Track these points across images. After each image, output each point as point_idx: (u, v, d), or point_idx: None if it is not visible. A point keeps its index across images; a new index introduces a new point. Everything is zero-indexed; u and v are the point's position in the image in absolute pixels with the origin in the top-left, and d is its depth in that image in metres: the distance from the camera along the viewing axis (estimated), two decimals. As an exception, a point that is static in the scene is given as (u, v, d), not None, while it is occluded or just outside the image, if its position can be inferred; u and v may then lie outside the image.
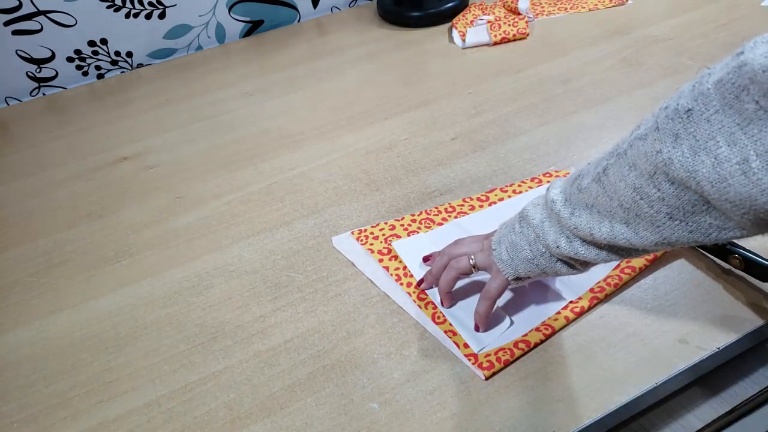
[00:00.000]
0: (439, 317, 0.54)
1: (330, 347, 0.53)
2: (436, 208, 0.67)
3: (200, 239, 0.68)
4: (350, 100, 0.91)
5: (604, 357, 0.49)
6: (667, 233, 0.40)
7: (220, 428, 0.48)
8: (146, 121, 0.94)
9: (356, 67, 1.00)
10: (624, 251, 0.44)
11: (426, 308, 0.55)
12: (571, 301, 0.54)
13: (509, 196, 0.67)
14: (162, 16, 1.08)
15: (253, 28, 1.18)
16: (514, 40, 1.00)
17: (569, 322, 0.52)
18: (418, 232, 0.64)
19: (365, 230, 0.65)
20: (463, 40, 1.01)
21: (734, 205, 0.35)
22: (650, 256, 0.56)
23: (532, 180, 0.69)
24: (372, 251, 0.62)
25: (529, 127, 0.78)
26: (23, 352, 0.58)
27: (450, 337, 0.52)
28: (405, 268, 0.60)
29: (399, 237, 0.63)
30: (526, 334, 0.51)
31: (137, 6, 1.05)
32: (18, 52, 1.01)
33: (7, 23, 0.98)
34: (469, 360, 0.50)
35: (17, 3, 0.97)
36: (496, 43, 1.00)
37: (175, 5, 1.08)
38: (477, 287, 0.55)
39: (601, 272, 0.56)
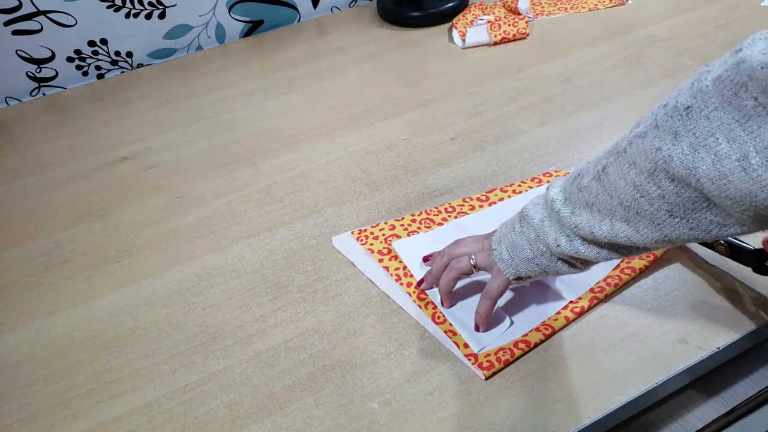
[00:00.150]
0: (439, 317, 0.54)
1: (330, 347, 0.53)
2: (436, 208, 0.67)
3: (200, 239, 0.68)
4: (350, 100, 0.91)
5: (604, 357, 0.49)
6: (667, 231, 0.40)
7: (220, 428, 0.48)
8: (146, 121, 0.94)
9: (356, 67, 1.00)
10: (625, 249, 0.44)
11: (426, 308, 0.55)
12: (571, 301, 0.54)
13: (509, 196, 0.67)
14: (162, 16, 1.08)
15: (253, 28, 1.18)
16: (514, 40, 1.00)
17: (569, 322, 0.52)
18: (418, 232, 0.64)
19: (365, 230, 0.65)
20: (463, 40, 1.01)
21: (735, 202, 0.35)
22: (650, 257, 0.56)
23: (532, 180, 0.69)
24: (372, 251, 0.62)
25: (529, 127, 0.78)
26: (23, 352, 0.58)
27: (450, 337, 0.52)
28: (405, 268, 0.60)
29: (399, 237, 0.63)
30: (526, 334, 0.51)
31: (137, 6, 1.05)
32: (18, 52, 1.01)
33: (7, 23, 0.98)
34: (469, 360, 0.50)
35: (17, 3, 0.97)
36: (496, 43, 1.00)
37: (175, 5, 1.08)
38: (477, 287, 0.55)
39: (601, 272, 0.56)
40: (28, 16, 0.99)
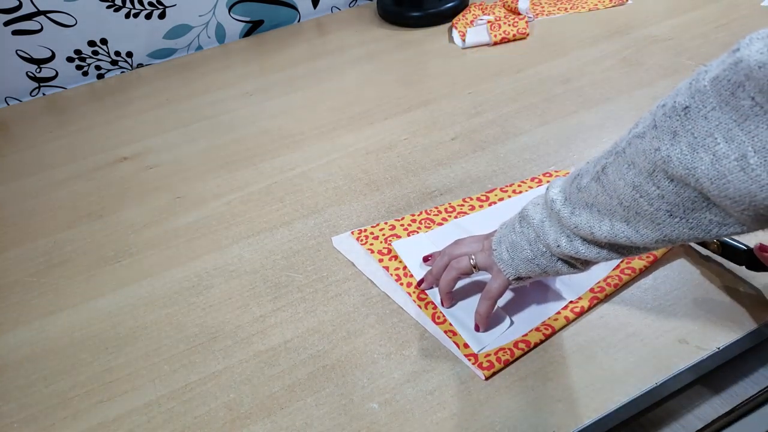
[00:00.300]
0: (439, 317, 0.54)
1: (330, 347, 0.53)
2: (436, 208, 0.67)
3: (200, 239, 0.68)
4: (350, 100, 0.91)
5: (604, 357, 0.49)
6: (667, 230, 0.40)
7: (220, 428, 0.48)
8: (146, 121, 0.94)
9: (356, 67, 1.00)
10: (625, 249, 0.44)
11: (426, 308, 0.55)
12: (571, 301, 0.54)
13: (509, 196, 0.67)
14: (162, 16, 1.08)
15: (253, 28, 1.18)
16: (514, 40, 1.00)
17: (569, 322, 0.52)
18: (418, 232, 0.64)
19: (365, 230, 0.65)
20: (463, 40, 1.01)
21: (734, 202, 0.35)
22: (650, 258, 0.56)
23: (532, 180, 0.69)
24: (372, 251, 0.62)
25: (529, 127, 0.78)
26: (23, 352, 0.58)
27: (450, 337, 0.52)
28: (405, 268, 0.60)
29: (399, 237, 0.63)
30: (526, 334, 0.51)
31: (137, 6, 1.05)
32: (18, 52, 1.01)
33: (7, 23, 0.98)
34: (469, 360, 0.50)
35: (17, 3, 0.97)
36: (496, 43, 1.00)
37: (175, 5, 1.08)
38: (477, 287, 0.55)
39: (601, 272, 0.56)
40: (28, 16, 0.99)
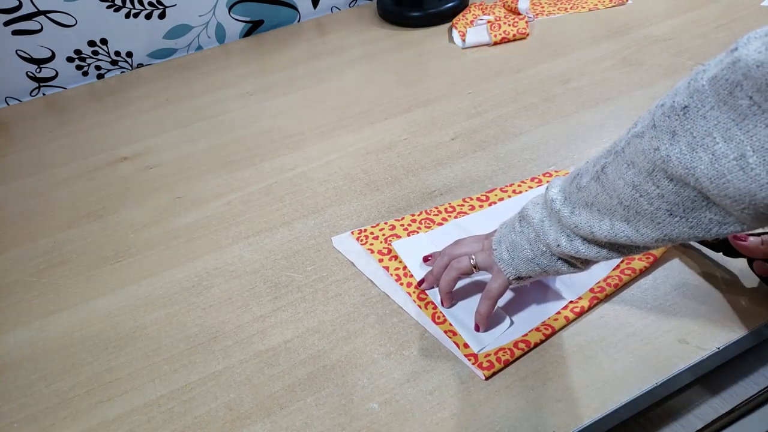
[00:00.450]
0: (439, 317, 0.54)
1: (330, 347, 0.53)
2: (436, 208, 0.67)
3: (200, 239, 0.68)
4: (350, 100, 0.91)
5: (604, 357, 0.49)
6: (667, 230, 0.40)
7: (220, 428, 0.48)
8: (146, 121, 0.94)
9: (356, 67, 1.00)
10: (625, 248, 0.44)
11: (426, 308, 0.55)
12: (571, 301, 0.54)
13: (509, 196, 0.67)
14: (162, 16, 1.08)
15: (253, 28, 1.18)
16: (514, 40, 1.00)
17: (569, 322, 0.52)
18: (418, 232, 0.64)
19: (365, 230, 0.65)
20: (463, 40, 1.01)
21: (734, 201, 0.35)
22: (650, 258, 0.56)
23: (532, 180, 0.69)
24: (372, 251, 0.62)
25: (529, 127, 0.78)
26: (23, 352, 0.58)
27: (450, 337, 0.52)
28: (405, 268, 0.60)
29: (399, 237, 0.63)
30: (526, 334, 0.51)
31: (137, 6, 1.05)
32: (18, 52, 1.01)
33: (7, 23, 0.98)
34: (469, 360, 0.50)
35: (17, 3, 0.97)
36: (496, 43, 1.00)
37: (175, 5, 1.08)
38: (477, 287, 0.55)
39: (601, 272, 0.56)
40: (28, 16, 0.99)
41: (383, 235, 0.64)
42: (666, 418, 0.48)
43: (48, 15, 1.00)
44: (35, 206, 0.78)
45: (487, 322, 0.52)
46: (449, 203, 0.67)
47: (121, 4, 1.03)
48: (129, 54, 1.10)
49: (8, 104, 1.06)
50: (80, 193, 0.80)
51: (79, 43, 1.05)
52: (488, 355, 0.50)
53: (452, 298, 0.55)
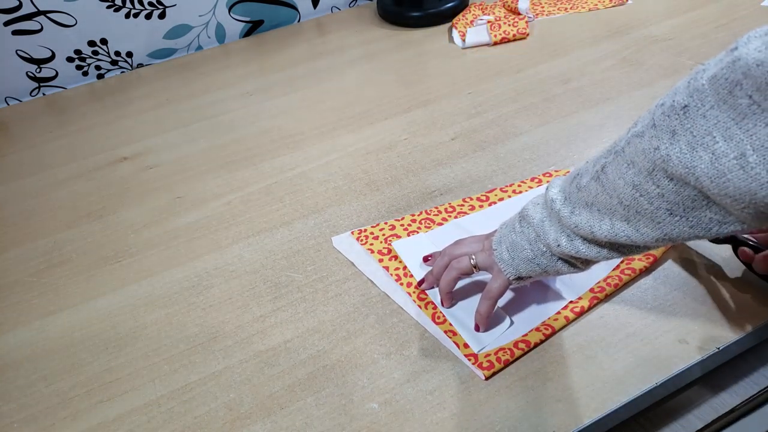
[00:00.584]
0: (439, 317, 0.54)
1: (330, 347, 0.53)
2: (436, 208, 0.67)
3: (200, 239, 0.68)
4: (350, 100, 0.91)
5: (604, 357, 0.49)
6: (667, 229, 0.40)
7: (220, 428, 0.48)
8: (146, 121, 0.94)
9: (356, 67, 1.00)
10: (625, 248, 0.44)
11: (426, 308, 0.55)
12: (571, 301, 0.54)
13: (509, 196, 0.67)
14: (162, 16, 1.08)
15: (253, 28, 1.18)
16: (514, 40, 1.00)
17: (569, 322, 0.52)
18: (418, 232, 0.64)
19: (365, 230, 0.65)
20: (463, 40, 1.01)
21: (734, 200, 0.35)
22: (650, 258, 0.56)
23: (532, 180, 0.69)
24: (372, 251, 0.62)
25: (529, 127, 0.78)
26: (23, 352, 0.58)
27: (450, 337, 0.52)
28: (405, 268, 0.60)
29: (399, 237, 0.63)
30: (526, 334, 0.51)
31: (137, 6, 1.05)
32: (18, 52, 1.01)
33: (7, 23, 0.98)
34: (469, 360, 0.50)
35: (17, 3, 0.97)
36: (496, 43, 1.00)
37: (175, 5, 1.08)
38: (477, 287, 0.55)
39: (601, 272, 0.56)
40: (28, 16, 0.99)
41: (383, 235, 0.64)
42: (666, 418, 0.48)
43: (48, 15, 1.00)
44: (35, 206, 0.78)
45: (487, 322, 0.52)
46: (449, 203, 0.67)
47: (121, 4, 1.03)
48: (129, 54, 1.10)
49: (8, 104, 1.06)
50: (80, 193, 0.80)
51: (79, 43, 1.05)
52: (488, 355, 0.50)
53: (452, 298, 0.55)
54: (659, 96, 0.39)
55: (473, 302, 0.53)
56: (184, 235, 0.69)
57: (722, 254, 0.56)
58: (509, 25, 1.01)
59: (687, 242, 0.57)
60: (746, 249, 0.52)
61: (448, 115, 0.84)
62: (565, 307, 0.53)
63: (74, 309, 0.62)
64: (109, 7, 1.03)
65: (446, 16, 1.10)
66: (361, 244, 0.63)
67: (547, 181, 0.68)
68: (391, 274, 0.59)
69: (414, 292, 0.57)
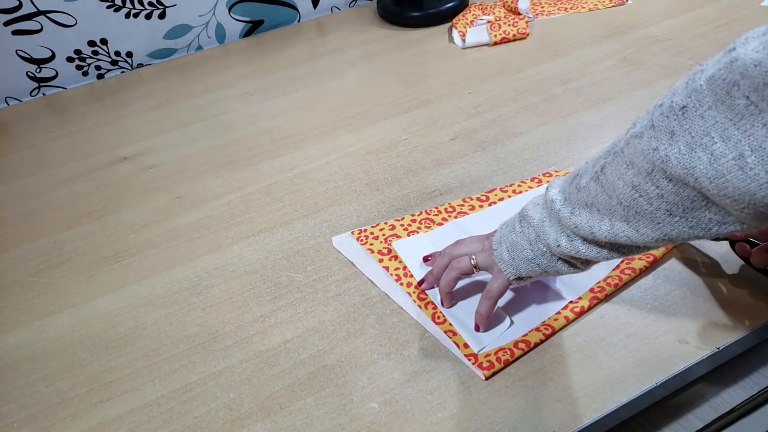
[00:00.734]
0: (439, 317, 0.54)
1: (330, 347, 0.53)
2: (436, 208, 0.67)
3: (200, 239, 0.68)
4: (350, 100, 0.91)
5: (604, 357, 0.49)
6: (667, 229, 0.40)
7: (220, 428, 0.48)
8: (146, 121, 0.94)
9: (356, 67, 1.00)
10: (625, 248, 0.44)
11: (426, 308, 0.55)
12: (571, 301, 0.54)
13: (509, 196, 0.67)
14: (162, 16, 1.08)
15: (253, 28, 1.18)
16: (514, 40, 1.00)
17: (569, 322, 0.52)
18: (418, 232, 0.64)
19: (365, 230, 0.65)
20: (463, 40, 1.01)
21: (733, 200, 0.35)
22: (650, 258, 0.56)
23: (532, 180, 0.69)
24: (372, 251, 0.62)
25: (529, 127, 0.78)
26: (23, 352, 0.58)
27: (450, 337, 0.52)
28: (405, 268, 0.60)
29: (399, 237, 0.63)
30: (526, 334, 0.51)
31: (137, 6, 1.05)
32: (18, 52, 1.01)
33: (7, 23, 0.98)
34: (469, 360, 0.50)
35: (17, 3, 0.97)
36: (496, 43, 1.00)
37: (175, 5, 1.07)
38: (477, 287, 0.55)
39: (601, 272, 0.56)
40: (28, 16, 0.99)
41: (383, 235, 0.64)
42: (666, 418, 0.48)
43: (48, 15, 1.00)
44: (35, 206, 0.78)
45: (487, 322, 0.52)
46: (449, 203, 0.67)
47: (121, 4, 1.03)
48: (129, 54, 1.10)
49: (8, 104, 1.06)
50: (80, 193, 0.80)
51: (79, 43, 1.05)
52: (488, 355, 0.50)
53: (452, 298, 0.55)
54: (659, 96, 0.39)
55: (473, 302, 0.53)
56: (184, 235, 0.69)
57: (722, 254, 0.56)
58: (509, 25, 1.01)
59: (687, 242, 0.57)
60: (744, 244, 0.52)
61: (448, 115, 0.84)
62: (565, 307, 0.53)
63: (74, 309, 0.62)
64: (109, 7, 1.03)
65: (446, 16, 1.10)
66: (361, 244, 0.63)
67: (547, 181, 0.68)
68: (391, 274, 0.59)
69: (414, 292, 0.57)
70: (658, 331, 0.50)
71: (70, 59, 1.06)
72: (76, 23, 1.02)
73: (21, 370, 0.56)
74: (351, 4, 1.25)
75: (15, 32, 0.99)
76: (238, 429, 0.48)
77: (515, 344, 0.51)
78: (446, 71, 0.95)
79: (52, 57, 1.04)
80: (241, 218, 0.70)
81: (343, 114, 0.88)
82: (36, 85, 1.06)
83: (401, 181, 0.72)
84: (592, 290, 0.54)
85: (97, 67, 1.09)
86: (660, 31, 0.95)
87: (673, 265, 0.56)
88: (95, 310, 0.61)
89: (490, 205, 0.66)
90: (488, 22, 1.03)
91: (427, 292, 0.57)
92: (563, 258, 0.47)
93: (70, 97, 1.05)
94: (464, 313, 0.54)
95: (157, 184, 0.79)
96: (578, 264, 0.47)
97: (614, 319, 0.52)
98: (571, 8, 1.07)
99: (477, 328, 0.52)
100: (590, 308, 0.53)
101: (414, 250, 0.61)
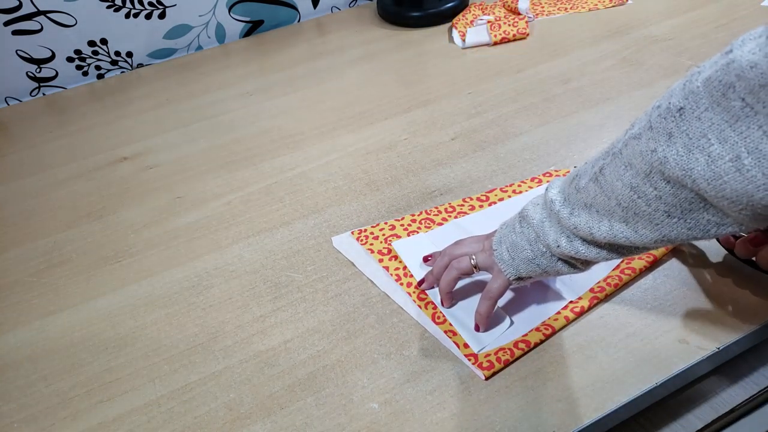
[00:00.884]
0: (439, 317, 0.54)
1: (330, 347, 0.53)
2: (436, 208, 0.67)
3: (200, 239, 0.68)
4: (350, 100, 0.91)
5: (604, 357, 0.49)
6: (666, 231, 0.40)
7: (220, 428, 0.48)
8: (146, 121, 0.94)
9: (356, 67, 1.00)
10: (624, 249, 0.44)
11: (426, 308, 0.55)
12: (571, 301, 0.54)
13: (509, 196, 0.67)
14: (162, 16, 1.08)
15: (253, 28, 1.18)
16: (514, 40, 1.00)
17: (569, 322, 0.52)
18: (418, 232, 0.64)
19: (365, 230, 0.65)
20: (463, 40, 1.01)
21: (731, 202, 0.35)
22: (650, 258, 0.56)
23: (532, 180, 0.69)
24: (372, 251, 0.62)
25: (529, 127, 0.78)
26: (23, 352, 0.58)
27: (450, 337, 0.52)
28: (405, 268, 0.60)
29: (399, 237, 0.63)
30: (526, 334, 0.51)
31: (137, 6, 1.05)
32: (18, 52, 1.01)
33: (7, 23, 0.98)
34: (469, 360, 0.50)
35: (17, 3, 0.97)
36: (496, 43, 1.00)
37: (175, 5, 1.07)
38: (477, 287, 0.55)
39: (601, 272, 0.56)
40: (28, 16, 0.99)
41: (383, 235, 0.64)
42: (666, 418, 0.49)
43: (48, 15, 1.00)
44: (35, 206, 0.78)
45: (487, 322, 0.52)
46: (449, 203, 0.67)
47: (121, 4, 1.03)
48: (129, 54, 1.10)
49: (8, 104, 1.06)
50: (80, 193, 0.80)
51: (79, 43, 1.05)
52: (488, 355, 0.50)
53: (452, 298, 0.55)
54: (659, 96, 0.39)
55: (473, 302, 0.53)
56: (184, 235, 0.69)
57: (722, 254, 0.56)
58: (509, 25, 1.01)
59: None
60: (728, 236, 0.52)
61: (448, 115, 0.84)
62: (565, 307, 0.53)
63: (74, 309, 0.62)
64: (109, 7, 1.03)
65: (446, 16, 1.10)
66: (361, 244, 0.63)
67: (547, 181, 0.68)
68: (391, 274, 0.59)
69: (414, 292, 0.57)
70: (658, 331, 0.51)
71: (70, 59, 1.06)
72: (76, 23, 1.02)
73: (21, 370, 0.56)
74: (351, 4, 1.25)
75: (15, 32, 0.99)
76: (238, 429, 0.48)
77: (515, 344, 0.51)
78: (446, 71, 0.95)
79: (52, 57, 1.04)
80: (241, 218, 0.70)
81: (343, 114, 0.88)
82: (36, 85, 1.06)
83: (401, 181, 0.72)
84: (592, 290, 0.54)
85: (97, 67, 1.09)
86: (660, 31, 0.95)
87: (673, 265, 0.56)
88: (95, 310, 0.61)
89: (490, 205, 0.66)
90: (488, 22, 1.03)
91: (427, 292, 0.57)
92: (563, 258, 0.47)
93: (70, 97, 1.05)
94: (464, 313, 0.54)
95: (157, 184, 0.79)
96: (578, 264, 0.47)
97: (614, 319, 0.52)
98: (571, 8, 1.07)
99: (477, 328, 0.52)
100: (590, 308, 0.53)
101: (414, 250, 0.61)
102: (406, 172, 0.74)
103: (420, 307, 0.56)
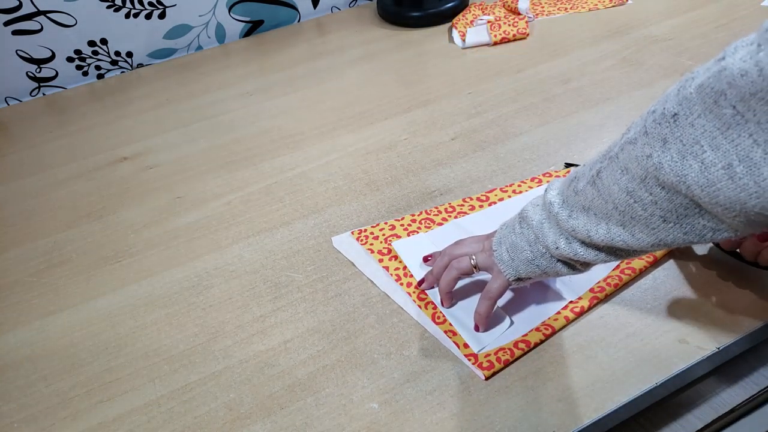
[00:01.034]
0: (439, 317, 0.54)
1: (330, 347, 0.54)
2: (436, 208, 0.67)
3: (200, 239, 0.68)
4: (350, 100, 0.91)
5: (604, 357, 0.49)
6: (662, 235, 0.40)
7: (220, 428, 0.48)
8: (146, 121, 0.94)
9: (356, 67, 1.00)
10: (622, 252, 0.44)
11: (426, 308, 0.55)
12: (571, 301, 0.54)
13: (509, 196, 0.67)
14: (162, 16, 1.08)
15: (253, 28, 1.18)
16: (514, 40, 1.00)
17: (569, 322, 0.52)
18: (418, 232, 0.64)
19: (365, 230, 0.65)
20: (463, 40, 1.01)
21: (725, 209, 0.35)
22: (650, 258, 0.56)
23: (532, 180, 0.69)
24: (372, 251, 0.62)
25: (529, 127, 0.78)
26: (23, 352, 0.58)
27: (450, 337, 0.52)
28: (405, 268, 0.60)
29: (399, 237, 0.63)
30: (526, 334, 0.52)
31: (137, 6, 1.05)
32: (18, 52, 1.01)
33: (7, 23, 0.98)
34: (469, 360, 0.50)
35: (17, 3, 0.97)
36: (496, 43, 1.00)
37: (175, 5, 1.07)
38: (477, 287, 0.55)
39: (601, 272, 0.56)
40: (28, 16, 0.99)
41: (383, 235, 0.64)
42: (666, 418, 0.49)
43: (48, 15, 1.00)
44: (35, 206, 0.78)
45: (486, 322, 0.52)
46: (449, 203, 0.67)
47: (121, 4, 1.03)
48: (129, 54, 1.10)
49: (8, 104, 1.06)
50: (80, 193, 0.80)
51: (79, 43, 1.05)
52: (488, 355, 0.50)
53: (452, 298, 0.55)
54: (659, 96, 0.39)
55: (473, 302, 0.53)
56: (184, 235, 0.69)
57: (722, 254, 0.56)
58: (509, 25, 1.01)
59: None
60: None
61: (448, 115, 0.84)
62: (565, 307, 0.53)
63: (74, 309, 0.62)
64: (109, 7, 1.03)
65: (446, 16, 1.10)
66: (361, 244, 0.63)
67: (547, 182, 0.68)
68: (391, 274, 0.59)
69: (414, 292, 0.57)
70: (658, 331, 0.51)
71: (70, 59, 1.06)
72: (76, 23, 1.02)
73: (21, 370, 0.56)
74: (351, 4, 1.25)
75: (15, 32, 0.99)
76: (238, 429, 0.48)
77: (515, 344, 0.51)
78: (446, 71, 0.95)
79: (52, 57, 1.04)
80: (241, 218, 0.70)
81: (343, 114, 0.88)
82: (36, 85, 1.06)
83: (401, 181, 0.72)
84: (592, 290, 0.54)
85: (97, 67, 1.09)
86: (660, 31, 0.95)
87: (674, 266, 0.56)
88: (95, 310, 0.61)
89: (490, 205, 0.66)
90: (488, 22, 1.03)
91: (427, 292, 0.57)
92: (562, 260, 0.47)
93: (70, 97, 1.05)
94: (464, 313, 0.54)
95: (157, 184, 0.79)
96: (577, 266, 0.47)
97: (614, 319, 0.52)
98: (571, 8, 1.07)
99: (477, 328, 0.52)
100: (590, 308, 0.53)
101: (414, 250, 0.61)
102: (406, 172, 0.74)
103: (420, 307, 0.56)
